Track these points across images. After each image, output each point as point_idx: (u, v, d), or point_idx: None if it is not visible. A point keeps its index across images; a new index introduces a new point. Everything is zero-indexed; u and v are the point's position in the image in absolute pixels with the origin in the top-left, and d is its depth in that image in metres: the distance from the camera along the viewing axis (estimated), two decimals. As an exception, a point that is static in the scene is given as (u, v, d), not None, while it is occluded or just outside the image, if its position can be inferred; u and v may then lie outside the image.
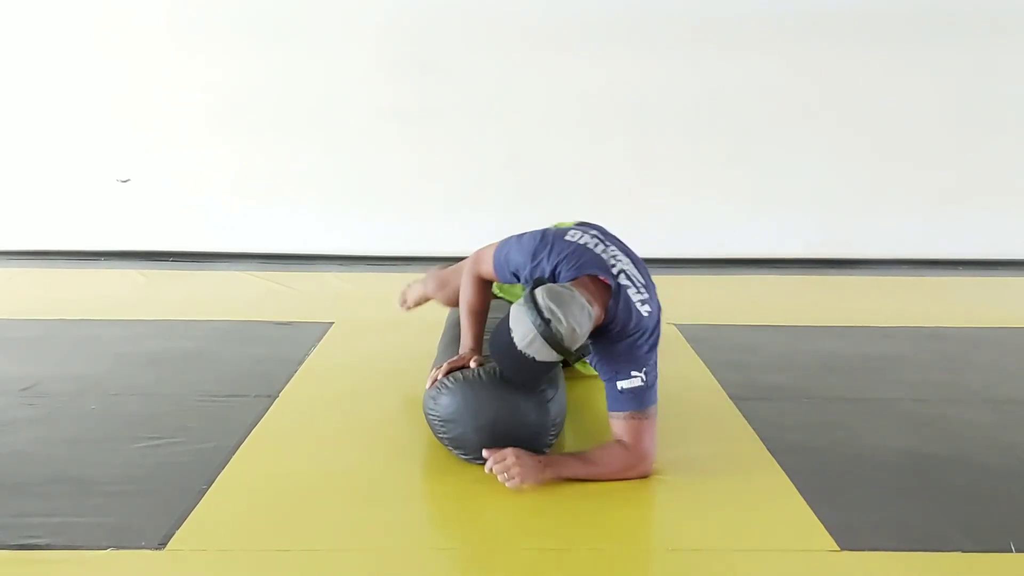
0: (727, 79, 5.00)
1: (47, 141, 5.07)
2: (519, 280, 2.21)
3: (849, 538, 1.78)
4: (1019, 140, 5.11)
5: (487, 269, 2.28)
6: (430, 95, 5.00)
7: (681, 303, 4.06)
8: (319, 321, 3.52)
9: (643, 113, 5.06)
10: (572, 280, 2.03)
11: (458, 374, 2.14)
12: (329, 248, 5.12)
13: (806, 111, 5.06)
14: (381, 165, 5.08)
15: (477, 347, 2.29)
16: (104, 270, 4.76)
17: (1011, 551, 1.75)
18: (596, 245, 2.12)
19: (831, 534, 1.80)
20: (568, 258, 2.07)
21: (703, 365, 2.97)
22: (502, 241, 2.25)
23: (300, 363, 2.94)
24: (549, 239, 2.13)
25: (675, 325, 3.50)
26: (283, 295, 4.15)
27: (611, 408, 2.10)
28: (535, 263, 2.11)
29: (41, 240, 5.13)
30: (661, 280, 4.96)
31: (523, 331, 1.88)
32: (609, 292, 2.03)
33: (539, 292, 1.91)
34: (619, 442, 2.08)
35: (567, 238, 2.13)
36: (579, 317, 1.89)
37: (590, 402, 2.55)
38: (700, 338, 3.30)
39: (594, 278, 2.04)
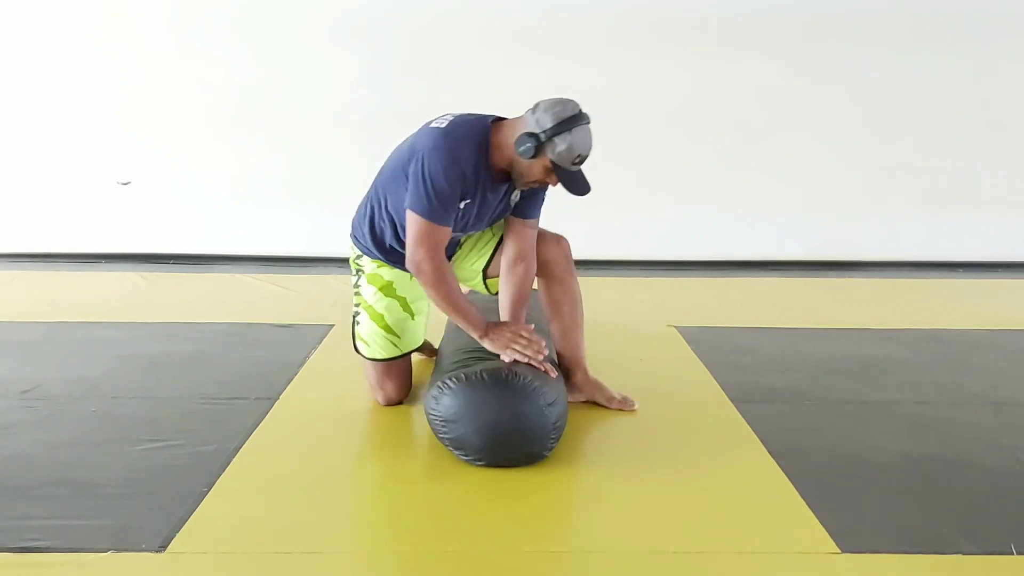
0: (727, 81, 5.00)
1: (48, 144, 5.08)
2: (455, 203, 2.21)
3: (849, 540, 1.78)
4: (1019, 142, 5.12)
5: (428, 243, 2.20)
6: (430, 96, 4.99)
7: (681, 305, 4.07)
8: (320, 323, 3.52)
9: (642, 114, 5.06)
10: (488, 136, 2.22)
11: (460, 374, 2.14)
12: (330, 250, 5.11)
13: (806, 113, 5.07)
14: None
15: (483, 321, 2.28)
16: (105, 272, 4.76)
17: (1012, 553, 1.74)
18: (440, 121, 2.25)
19: (831, 536, 1.80)
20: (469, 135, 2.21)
21: (703, 367, 2.97)
22: (415, 212, 2.20)
23: (301, 365, 2.94)
24: (442, 149, 2.17)
25: (675, 327, 3.51)
26: (284, 297, 4.16)
27: (531, 215, 2.38)
28: (458, 170, 2.17)
29: (42, 243, 5.13)
30: (661, 282, 5.00)
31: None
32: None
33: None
34: (517, 262, 2.36)
35: (442, 126, 2.21)
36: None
37: (592, 405, 2.56)
38: (700, 340, 3.30)
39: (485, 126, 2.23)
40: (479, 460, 2.10)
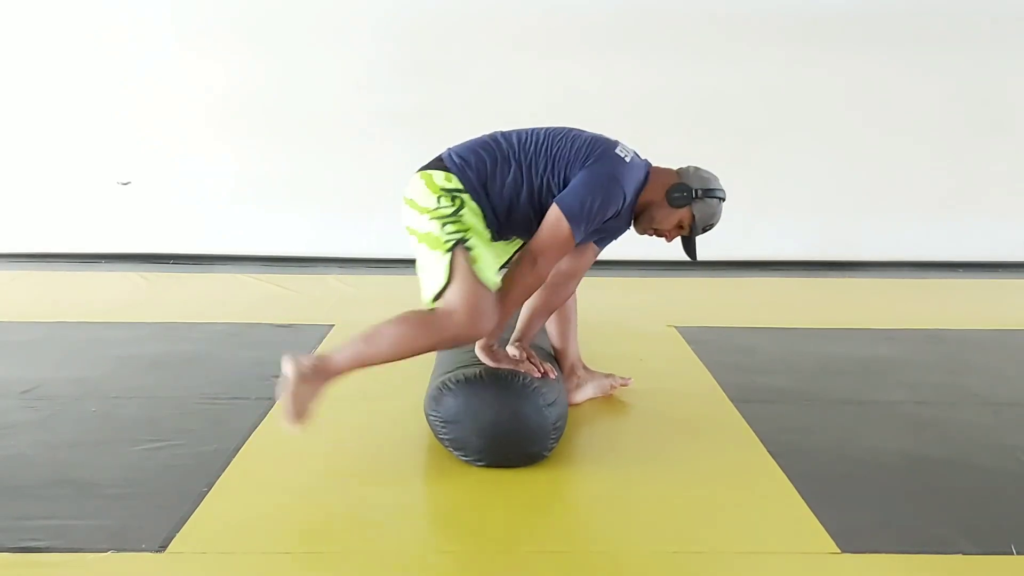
0: (727, 81, 5.01)
1: (48, 144, 5.09)
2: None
3: (849, 540, 1.78)
4: (1019, 143, 5.12)
5: (557, 249, 2.14)
6: (430, 96, 5.01)
7: (681, 305, 4.07)
8: (320, 323, 3.52)
9: (642, 114, 5.06)
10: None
11: (460, 374, 2.14)
12: (330, 250, 5.13)
13: (806, 114, 5.07)
14: (381, 167, 5.07)
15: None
16: (105, 272, 4.76)
17: (1012, 553, 1.75)
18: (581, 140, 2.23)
19: (831, 536, 1.80)
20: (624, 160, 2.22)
21: (703, 367, 2.97)
22: (565, 215, 2.11)
23: (301, 365, 2.94)
24: (614, 168, 2.16)
25: (675, 327, 3.51)
26: (284, 297, 4.15)
27: (603, 244, 2.43)
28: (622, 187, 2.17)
29: (42, 243, 5.13)
30: (661, 282, 4.99)
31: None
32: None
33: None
34: (568, 278, 2.37)
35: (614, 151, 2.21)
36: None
37: (592, 404, 2.56)
38: (700, 340, 3.30)
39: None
40: (479, 461, 2.10)
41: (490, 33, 4.96)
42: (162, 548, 1.73)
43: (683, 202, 2.23)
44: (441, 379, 2.19)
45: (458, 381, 2.13)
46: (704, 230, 2.30)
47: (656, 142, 5.06)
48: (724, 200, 2.29)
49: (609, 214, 2.17)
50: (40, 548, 1.73)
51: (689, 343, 3.28)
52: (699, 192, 2.23)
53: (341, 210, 5.14)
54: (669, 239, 2.33)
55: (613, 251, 5.06)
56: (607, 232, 2.35)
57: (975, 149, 5.11)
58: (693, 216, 2.25)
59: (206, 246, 5.15)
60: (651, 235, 2.34)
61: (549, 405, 2.11)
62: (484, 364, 2.19)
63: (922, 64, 5.01)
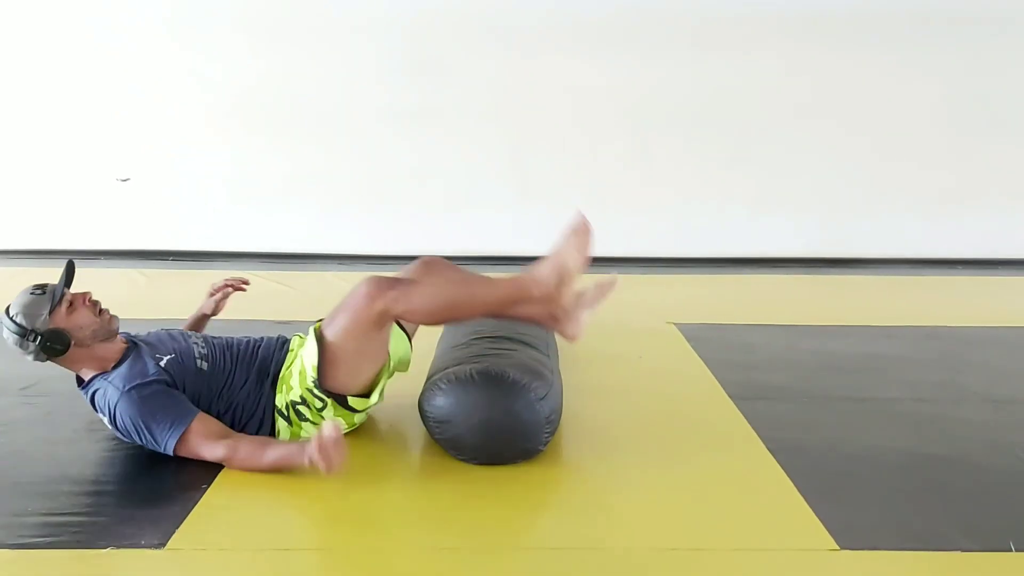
0: (727, 79, 5.00)
1: (48, 141, 5.08)
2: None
3: (848, 537, 1.78)
4: (1018, 140, 5.12)
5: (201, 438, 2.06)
6: (430, 95, 5.01)
7: (681, 302, 4.07)
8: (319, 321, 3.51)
9: (643, 112, 5.06)
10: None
11: (451, 374, 2.14)
12: (329, 247, 5.12)
13: (805, 111, 5.07)
14: (381, 164, 5.09)
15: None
16: (104, 269, 4.76)
17: (1010, 550, 1.75)
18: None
19: (831, 533, 1.80)
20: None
21: (703, 364, 2.97)
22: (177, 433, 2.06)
23: (300, 362, 2.93)
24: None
25: (675, 324, 3.51)
26: (283, 294, 4.15)
27: None
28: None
29: (41, 239, 5.13)
30: (661, 280, 4.98)
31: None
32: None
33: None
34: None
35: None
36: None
37: (591, 402, 2.56)
38: (700, 337, 3.30)
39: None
40: (474, 459, 2.10)
41: (491, 33, 4.95)
42: (161, 545, 1.73)
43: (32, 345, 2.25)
44: (432, 379, 2.19)
45: (448, 381, 2.13)
46: (40, 320, 2.33)
47: (657, 139, 5.12)
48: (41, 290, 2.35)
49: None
50: (40, 545, 1.73)
51: (688, 340, 3.28)
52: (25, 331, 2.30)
53: (341, 207, 5.14)
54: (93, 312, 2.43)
55: (613, 248, 5.09)
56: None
57: (974, 147, 5.11)
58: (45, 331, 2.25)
59: (205, 243, 5.15)
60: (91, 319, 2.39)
61: (541, 400, 2.11)
62: (474, 364, 2.16)
63: (921, 62, 5.00)
